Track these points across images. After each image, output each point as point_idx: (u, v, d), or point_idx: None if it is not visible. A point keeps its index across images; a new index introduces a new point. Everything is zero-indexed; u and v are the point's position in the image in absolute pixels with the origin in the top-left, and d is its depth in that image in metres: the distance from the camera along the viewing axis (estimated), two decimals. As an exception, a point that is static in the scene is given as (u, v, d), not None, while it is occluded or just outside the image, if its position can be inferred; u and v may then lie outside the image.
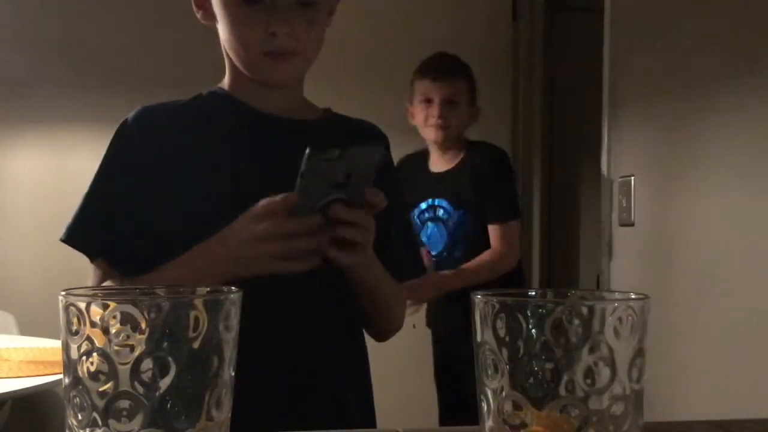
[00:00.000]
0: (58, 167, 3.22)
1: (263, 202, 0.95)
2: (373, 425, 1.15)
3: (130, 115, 1.10)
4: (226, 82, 1.15)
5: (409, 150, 2.43)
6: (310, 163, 0.89)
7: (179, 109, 1.13)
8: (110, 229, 1.07)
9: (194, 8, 1.13)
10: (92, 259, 1.08)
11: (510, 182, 2.32)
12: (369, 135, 1.21)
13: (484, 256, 2.23)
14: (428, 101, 2.26)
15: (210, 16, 1.11)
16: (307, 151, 0.88)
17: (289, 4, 1.04)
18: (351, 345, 1.14)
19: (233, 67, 1.12)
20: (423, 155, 2.38)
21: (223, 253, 0.97)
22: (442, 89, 2.25)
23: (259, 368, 0.99)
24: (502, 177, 2.29)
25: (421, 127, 2.31)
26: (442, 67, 2.29)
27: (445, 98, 2.25)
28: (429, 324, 2.44)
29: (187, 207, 1.05)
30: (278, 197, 0.94)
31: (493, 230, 2.24)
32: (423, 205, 2.31)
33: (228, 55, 1.13)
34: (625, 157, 2.20)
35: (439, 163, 2.34)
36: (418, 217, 2.31)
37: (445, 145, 2.30)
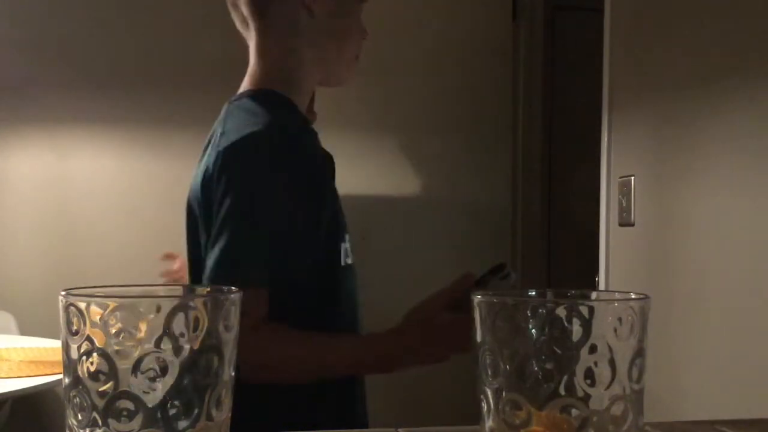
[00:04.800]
0: (58, 167, 3.22)
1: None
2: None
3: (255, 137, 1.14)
4: None
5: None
6: (493, 281, 1.05)
7: (287, 131, 1.21)
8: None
9: (255, 23, 1.22)
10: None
11: None
12: None
13: None
14: None
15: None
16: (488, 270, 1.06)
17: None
18: None
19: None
20: None
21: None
22: None
23: None
24: None
25: None
26: None
27: None
28: None
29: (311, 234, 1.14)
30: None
31: None
32: None
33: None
34: (625, 157, 2.20)
35: None
36: None
37: None
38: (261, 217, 1.06)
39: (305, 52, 1.26)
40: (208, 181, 1.11)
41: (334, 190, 1.20)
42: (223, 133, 1.15)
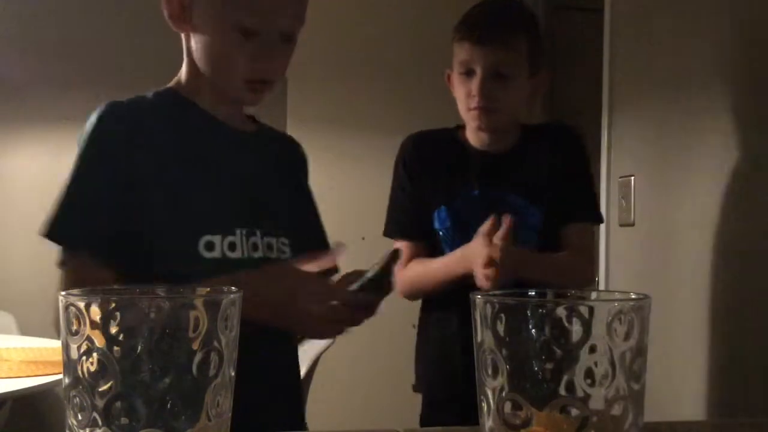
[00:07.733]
0: (57, 167, 3.22)
1: (328, 284, 1.11)
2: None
3: (102, 109, 1.20)
4: (183, 83, 1.22)
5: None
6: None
7: (147, 106, 1.21)
8: (95, 220, 1.13)
9: (165, 14, 1.17)
10: (75, 250, 1.13)
11: (590, 173, 1.70)
12: (291, 144, 1.37)
13: (565, 255, 1.59)
14: (469, 72, 1.59)
15: (185, 27, 1.18)
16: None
17: (276, 39, 1.14)
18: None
19: (197, 73, 1.19)
20: (456, 131, 1.71)
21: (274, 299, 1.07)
22: (486, 56, 1.56)
23: None
24: (581, 166, 1.67)
25: (461, 108, 1.64)
26: (491, 25, 1.58)
27: (492, 68, 1.56)
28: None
29: (163, 200, 1.12)
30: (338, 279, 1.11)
31: (571, 233, 1.62)
32: (475, 193, 1.61)
33: (194, 64, 1.20)
34: (625, 157, 2.20)
35: (486, 144, 1.65)
36: (466, 206, 1.62)
37: (495, 130, 1.63)
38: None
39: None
40: None
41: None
42: None
